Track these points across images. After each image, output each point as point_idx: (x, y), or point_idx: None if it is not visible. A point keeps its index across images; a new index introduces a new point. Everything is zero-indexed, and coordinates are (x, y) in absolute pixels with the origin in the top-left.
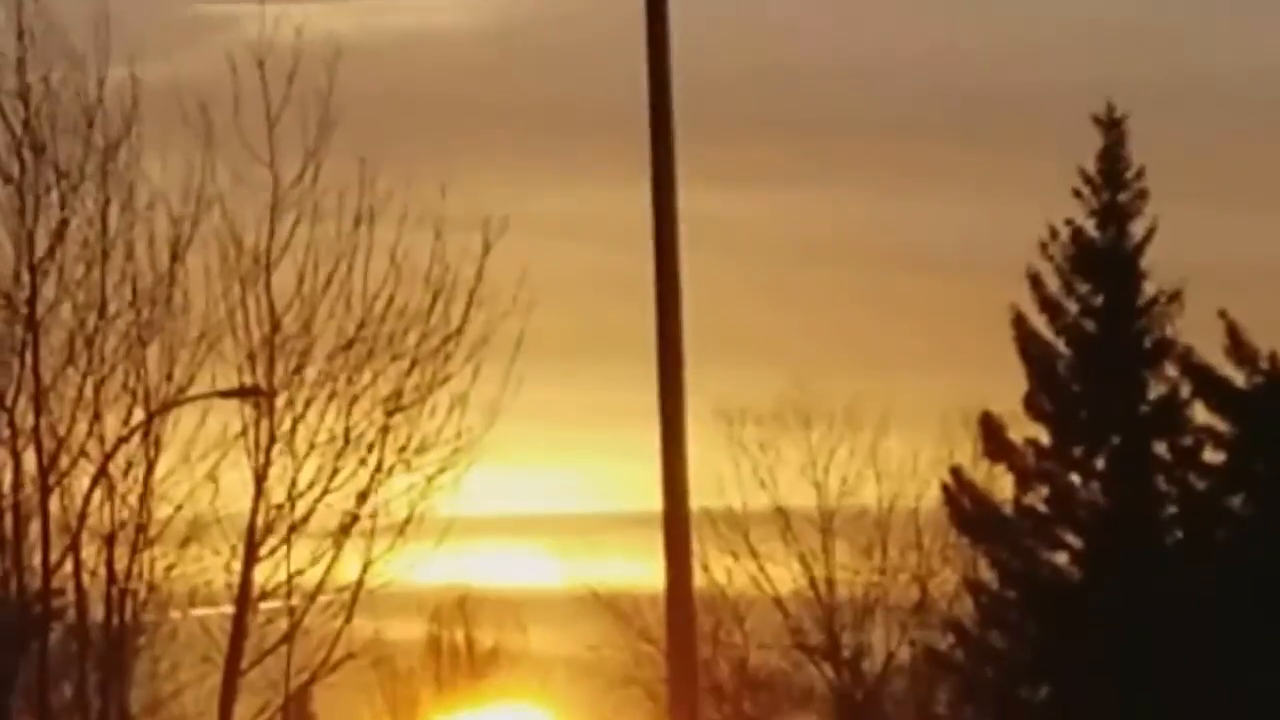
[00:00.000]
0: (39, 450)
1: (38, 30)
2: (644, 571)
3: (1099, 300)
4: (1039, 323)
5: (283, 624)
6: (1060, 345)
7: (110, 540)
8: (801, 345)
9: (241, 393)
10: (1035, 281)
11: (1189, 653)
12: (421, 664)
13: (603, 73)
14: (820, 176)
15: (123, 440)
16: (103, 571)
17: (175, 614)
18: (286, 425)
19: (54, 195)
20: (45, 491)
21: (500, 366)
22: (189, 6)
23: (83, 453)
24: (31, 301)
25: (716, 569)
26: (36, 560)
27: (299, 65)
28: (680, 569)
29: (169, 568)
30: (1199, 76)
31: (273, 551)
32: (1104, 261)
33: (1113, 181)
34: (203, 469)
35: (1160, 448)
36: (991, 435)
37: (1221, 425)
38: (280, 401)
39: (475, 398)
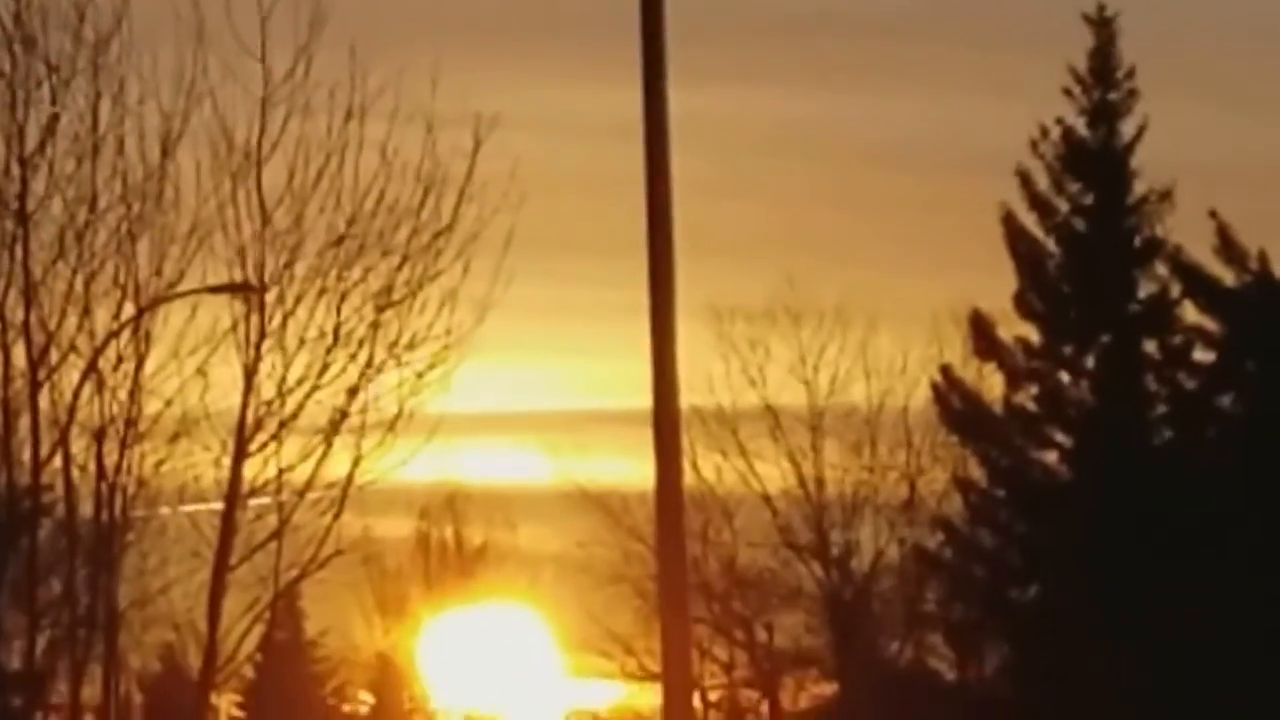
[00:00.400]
0: (29, 345)
1: None
2: (633, 469)
3: (1089, 199)
4: (1029, 221)
5: (272, 520)
6: (1050, 244)
7: (99, 435)
8: (792, 243)
9: (232, 288)
10: (1025, 180)
11: (1178, 551)
12: (410, 561)
13: None
14: (813, 76)
15: (113, 335)
16: (92, 467)
17: (164, 509)
18: (276, 321)
19: (45, 90)
20: (35, 386)
21: (490, 262)
22: None
23: (72, 347)
24: (22, 196)
25: (706, 467)
26: (26, 455)
27: None
28: (669, 466)
29: (158, 463)
30: None
31: (262, 447)
32: (1094, 160)
33: (1103, 80)
34: (192, 364)
35: (1150, 347)
36: (981, 333)
37: (1211, 324)
38: (270, 297)
39: (465, 294)
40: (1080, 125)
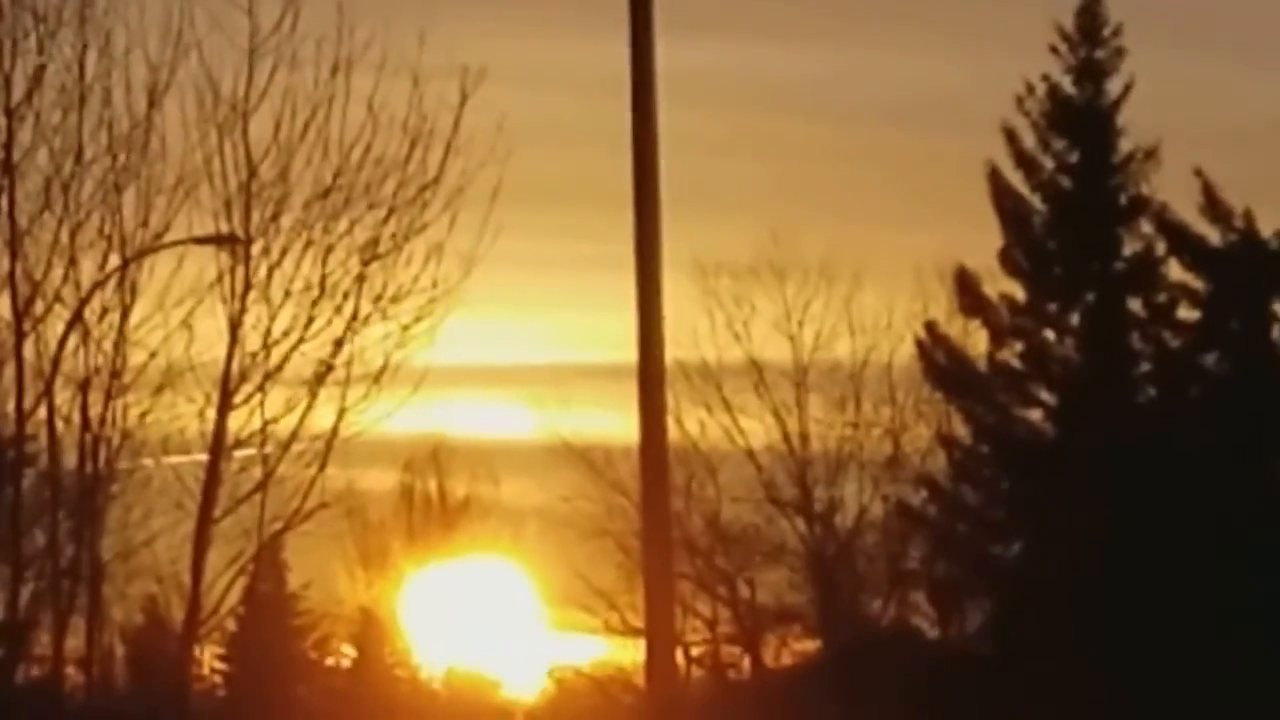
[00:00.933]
0: (14, 295)
1: None
2: (617, 423)
3: (1075, 157)
4: (1015, 178)
5: (256, 472)
6: (1036, 201)
7: (84, 386)
8: (777, 198)
9: (217, 240)
10: (1011, 137)
11: (1162, 509)
12: (394, 514)
13: None
14: (798, 29)
15: (98, 286)
16: (76, 418)
17: (148, 461)
18: (262, 273)
19: (31, 40)
20: (20, 337)
21: (477, 216)
22: None
23: (58, 298)
24: (8, 146)
25: (690, 422)
26: (10, 406)
27: None
28: (654, 421)
29: (143, 414)
30: None
31: (247, 399)
32: (1080, 118)
33: (1090, 38)
34: (178, 316)
35: (1135, 305)
36: (966, 290)
37: (1196, 283)
38: (256, 249)
39: (451, 247)
40: (1066, 83)
